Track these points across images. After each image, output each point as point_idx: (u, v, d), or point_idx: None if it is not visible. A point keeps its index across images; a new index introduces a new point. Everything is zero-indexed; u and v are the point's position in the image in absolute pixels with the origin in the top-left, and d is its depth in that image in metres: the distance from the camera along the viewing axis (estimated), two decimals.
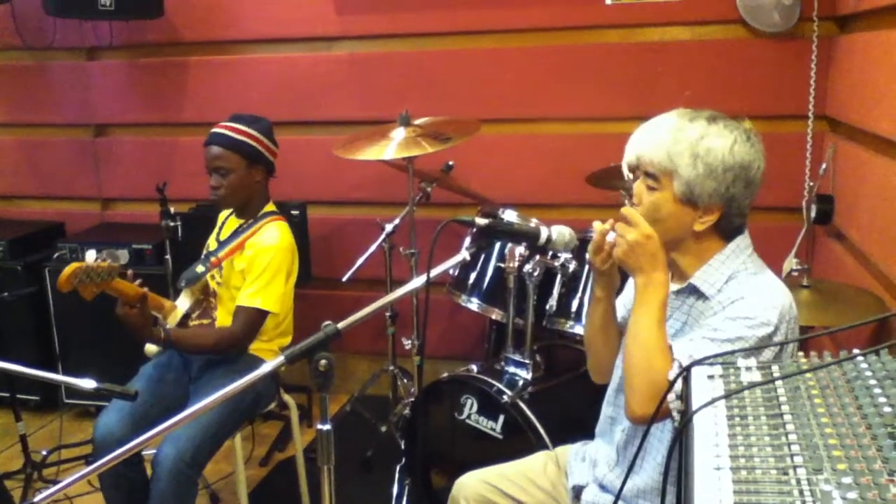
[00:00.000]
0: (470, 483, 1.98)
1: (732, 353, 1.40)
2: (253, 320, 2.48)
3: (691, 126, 1.58)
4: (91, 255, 2.14)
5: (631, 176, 1.67)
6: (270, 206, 2.67)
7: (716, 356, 1.23)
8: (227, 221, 2.68)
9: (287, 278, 2.54)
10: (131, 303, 2.28)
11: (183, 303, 2.61)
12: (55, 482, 2.88)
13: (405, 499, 2.81)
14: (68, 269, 2.12)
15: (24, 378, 2.21)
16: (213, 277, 2.61)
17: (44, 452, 3.08)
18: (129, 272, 2.32)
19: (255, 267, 2.48)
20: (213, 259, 2.56)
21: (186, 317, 2.63)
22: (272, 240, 2.52)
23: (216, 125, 2.57)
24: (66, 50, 3.84)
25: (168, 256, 3.08)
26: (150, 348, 2.57)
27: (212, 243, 2.68)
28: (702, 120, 1.58)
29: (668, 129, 1.59)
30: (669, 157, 1.56)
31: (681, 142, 1.56)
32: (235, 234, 2.59)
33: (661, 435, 1.68)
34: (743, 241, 1.64)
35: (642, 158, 1.61)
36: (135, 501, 2.39)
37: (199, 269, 2.58)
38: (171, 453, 2.25)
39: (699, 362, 1.19)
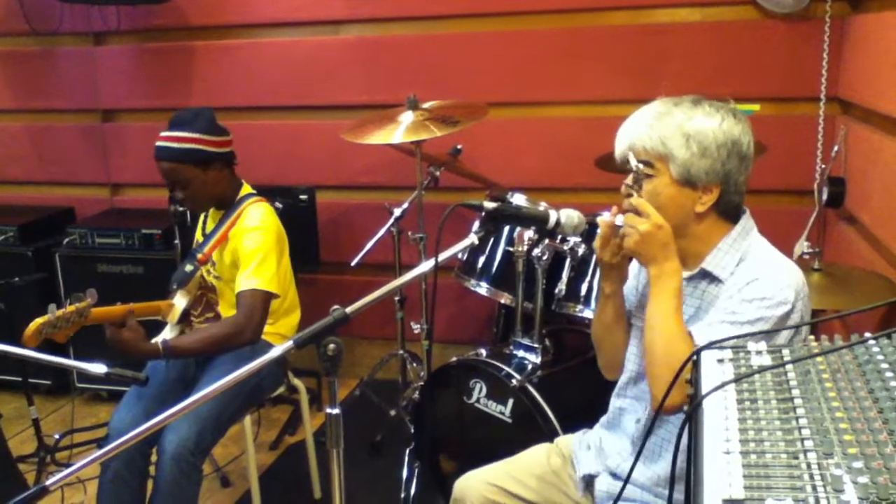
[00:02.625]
0: (472, 484, 1.92)
1: (751, 335, 1.42)
2: (254, 302, 2.39)
3: (677, 109, 1.60)
4: (52, 309, 2.12)
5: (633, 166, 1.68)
6: (245, 189, 2.59)
7: (732, 338, 1.23)
8: (210, 213, 2.63)
9: (278, 257, 2.49)
10: (119, 322, 2.24)
11: (180, 301, 2.57)
12: (68, 465, 2.91)
13: (414, 482, 2.82)
14: (32, 327, 2.10)
15: (35, 363, 2.22)
16: (208, 272, 2.58)
17: (56, 436, 3.10)
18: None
19: (243, 252, 2.44)
20: (199, 256, 2.52)
21: (187, 314, 2.60)
22: (253, 223, 2.46)
23: (159, 137, 2.44)
24: (73, 35, 3.84)
25: (177, 241, 3.09)
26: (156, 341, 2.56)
27: (198, 236, 2.65)
28: (686, 103, 1.61)
29: (655, 116, 1.61)
30: (661, 142, 1.58)
31: (670, 125, 1.59)
32: (218, 226, 2.54)
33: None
34: (748, 223, 1.66)
35: (634, 147, 1.62)
36: None
37: (188, 268, 2.55)
38: (175, 440, 2.26)
39: (711, 345, 1.19)
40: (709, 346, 1.19)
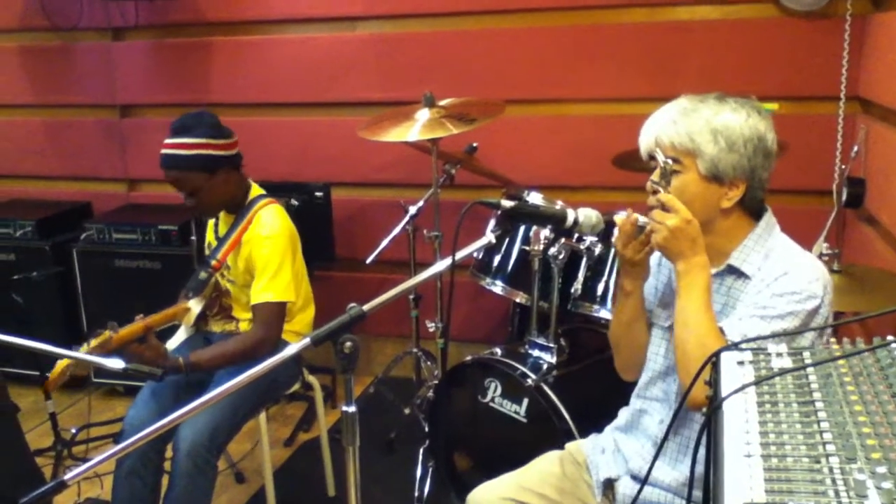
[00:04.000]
0: (485, 498, 1.86)
1: (786, 333, 1.47)
2: (271, 315, 2.41)
3: (703, 106, 1.61)
4: (75, 351, 2.15)
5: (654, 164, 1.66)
6: (255, 191, 2.55)
7: (769, 336, 1.23)
8: (221, 216, 2.60)
9: (292, 261, 2.47)
10: (139, 339, 2.24)
11: (196, 305, 2.56)
12: (84, 460, 2.92)
13: (428, 480, 2.82)
14: (57, 369, 2.18)
15: (52, 357, 2.24)
16: (222, 276, 2.56)
17: (73, 430, 3.12)
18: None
19: (258, 262, 2.42)
20: (213, 262, 2.51)
21: (203, 316, 2.60)
22: (267, 229, 2.43)
23: (163, 145, 2.38)
24: (92, 30, 3.85)
25: (194, 237, 3.10)
26: (172, 343, 2.56)
27: (210, 239, 2.63)
28: (711, 100, 1.62)
29: (682, 112, 1.61)
30: (690, 137, 1.58)
31: (697, 121, 1.59)
32: (230, 230, 2.51)
33: None
34: (771, 219, 1.67)
35: (661, 143, 1.61)
36: None
37: (202, 275, 2.54)
38: (190, 436, 2.26)
39: (747, 340, 1.19)
40: (745, 341, 1.19)
